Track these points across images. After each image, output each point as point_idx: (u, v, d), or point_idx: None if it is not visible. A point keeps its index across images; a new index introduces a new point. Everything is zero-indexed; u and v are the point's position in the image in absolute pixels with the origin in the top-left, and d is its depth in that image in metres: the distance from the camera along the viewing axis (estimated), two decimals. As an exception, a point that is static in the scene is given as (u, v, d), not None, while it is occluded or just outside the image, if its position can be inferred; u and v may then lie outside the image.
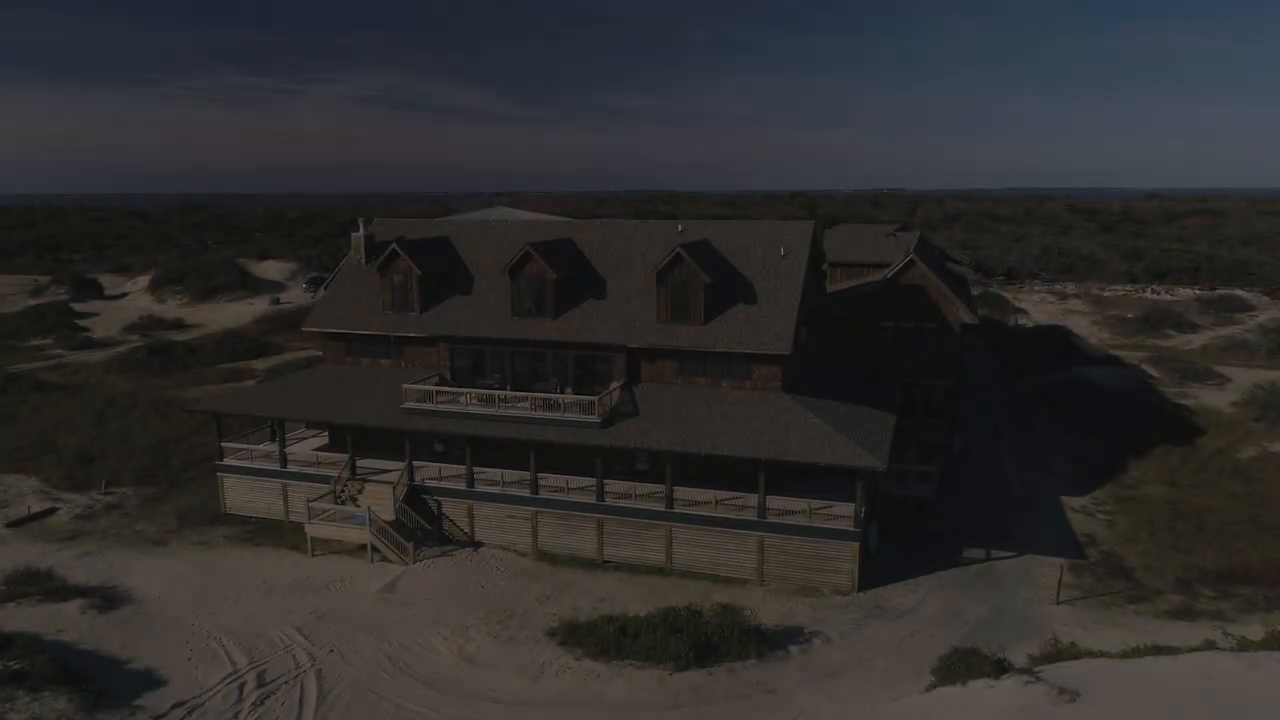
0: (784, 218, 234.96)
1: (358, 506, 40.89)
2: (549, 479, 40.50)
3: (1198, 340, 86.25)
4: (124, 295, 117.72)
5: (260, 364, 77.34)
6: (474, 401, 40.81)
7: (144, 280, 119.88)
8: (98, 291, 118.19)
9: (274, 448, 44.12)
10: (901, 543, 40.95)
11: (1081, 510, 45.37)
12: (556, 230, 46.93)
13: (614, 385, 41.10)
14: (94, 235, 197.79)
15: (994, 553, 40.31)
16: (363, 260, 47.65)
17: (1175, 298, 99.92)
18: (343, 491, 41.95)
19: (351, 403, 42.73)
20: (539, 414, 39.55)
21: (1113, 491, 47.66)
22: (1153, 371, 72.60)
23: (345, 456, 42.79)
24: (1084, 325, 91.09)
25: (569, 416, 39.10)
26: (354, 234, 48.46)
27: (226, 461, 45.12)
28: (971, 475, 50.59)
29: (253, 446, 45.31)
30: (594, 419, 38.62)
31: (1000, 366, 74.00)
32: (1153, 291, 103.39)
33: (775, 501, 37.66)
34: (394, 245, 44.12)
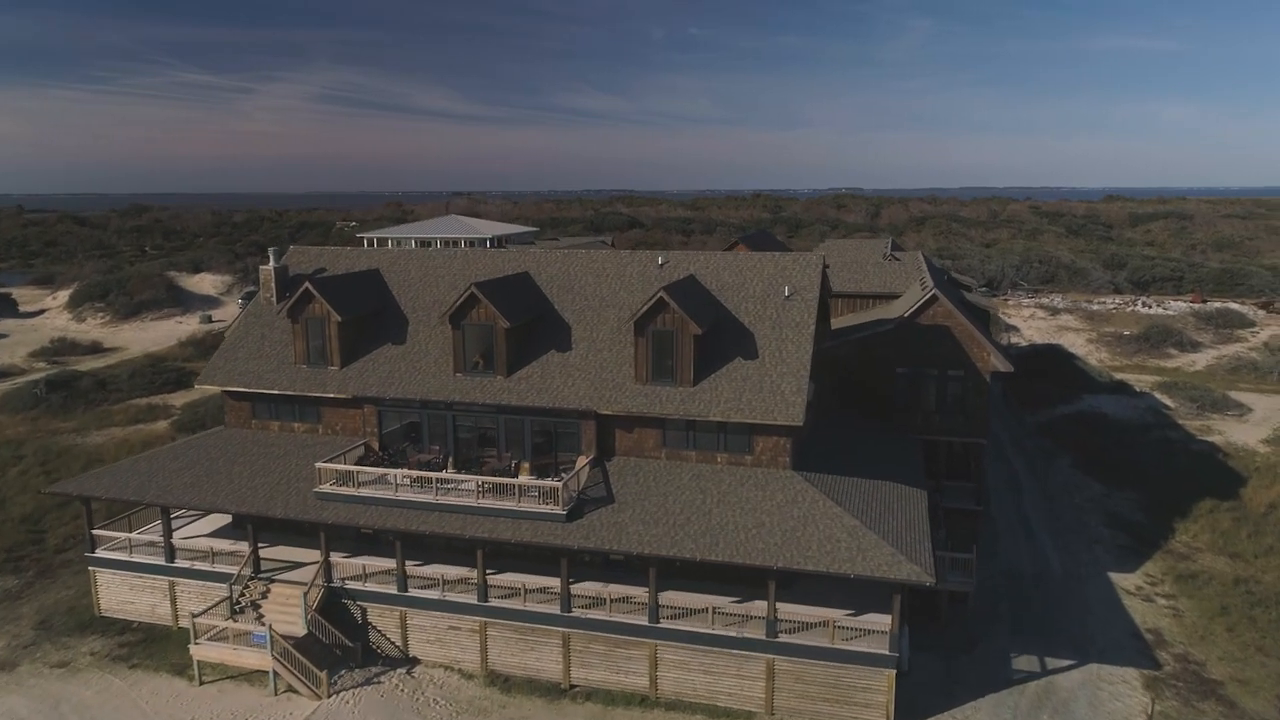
0: (747, 219, 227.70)
1: (260, 614, 32.05)
2: (503, 577, 32.04)
3: (1201, 360, 79.88)
4: (41, 313, 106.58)
5: (180, 398, 67.68)
6: (406, 484, 32.12)
7: (64, 295, 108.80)
8: (11, 308, 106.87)
9: (166, 534, 35.03)
10: (935, 649, 33.03)
11: (1137, 593, 37.82)
12: (511, 263, 38.28)
13: (582, 461, 32.65)
14: (22, 241, 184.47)
15: (1049, 660, 32.54)
16: (274, 299, 38.65)
17: (1169, 311, 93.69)
18: (242, 596, 33.04)
19: (254, 482, 33.78)
20: (487, 502, 30.95)
21: (1167, 566, 40.20)
22: (1167, 401, 65.80)
23: (253, 542, 33.83)
24: (1080, 344, 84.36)
25: (526, 506, 30.55)
26: (262, 267, 39.40)
27: (100, 553, 35.97)
28: (997, 540, 42.93)
29: (134, 536, 36.15)
30: (557, 511, 30.12)
31: (1001, 396, 66.69)
32: (1144, 305, 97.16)
33: (788, 608, 29.56)
34: (306, 284, 35.22)
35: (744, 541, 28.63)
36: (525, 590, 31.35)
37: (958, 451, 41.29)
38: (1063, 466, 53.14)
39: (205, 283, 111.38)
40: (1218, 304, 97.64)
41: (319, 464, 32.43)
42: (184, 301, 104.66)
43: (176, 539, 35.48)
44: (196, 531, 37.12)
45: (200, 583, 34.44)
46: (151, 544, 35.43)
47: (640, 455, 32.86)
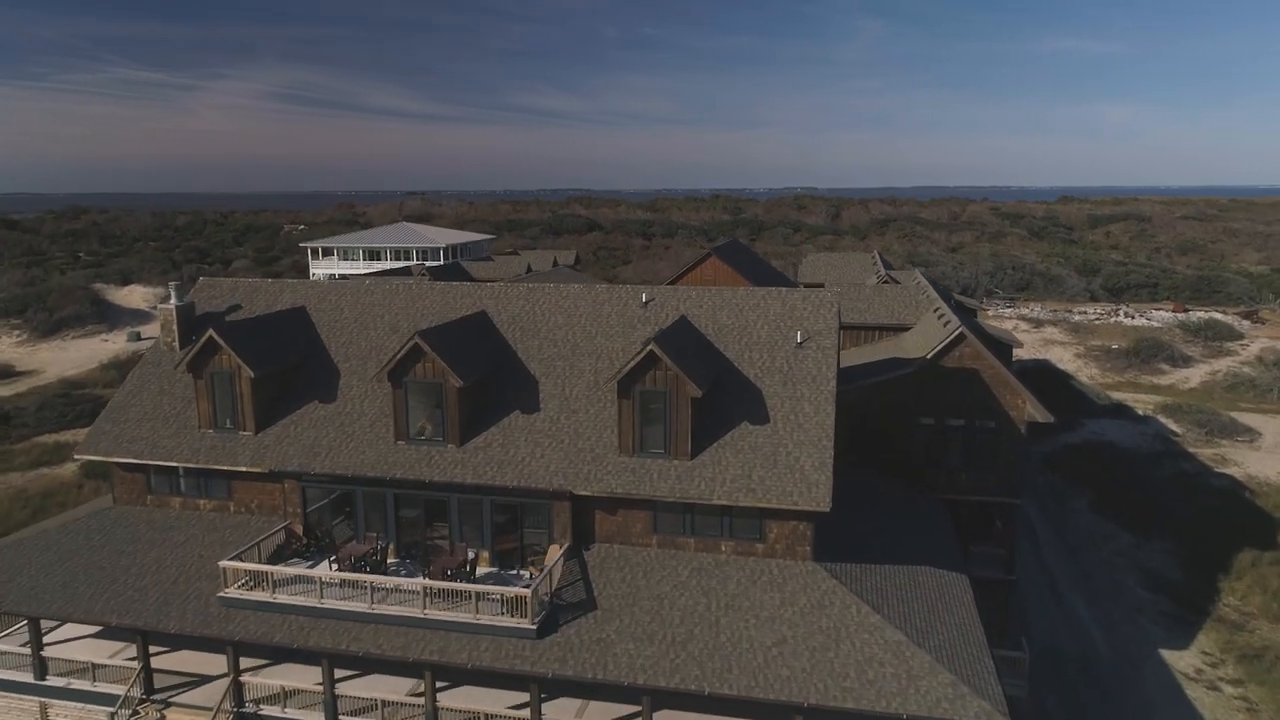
0: (707, 221, 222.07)
1: (151, 753, 25.18)
2: (458, 694, 25.53)
3: (1194, 376, 75.59)
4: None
5: (93, 434, 59.73)
6: (335, 584, 25.41)
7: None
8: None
9: (34, 645, 27.89)
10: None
11: (1199, 678, 32.37)
12: (464, 300, 31.59)
13: (554, 552, 26.20)
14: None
15: (1117, 781, 26.90)
16: (175, 345, 31.60)
17: (1153, 322, 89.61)
18: (129, 726, 26.10)
19: (144, 581, 26.84)
20: (437, 613, 24.38)
21: (1224, 640, 34.86)
22: (1172, 425, 61.05)
23: (143, 656, 26.83)
24: (1068, 358, 79.69)
25: (486, 618, 24.04)
26: (161, 306, 32.29)
27: (-47, 666, 28.73)
28: (1025, 607, 37.36)
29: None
30: (525, 625, 23.67)
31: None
32: (1127, 315, 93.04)
33: (813, 745, 23.45)
34: (211, 333, 28.27)
35: (762, 665, 22.45)
36: (484, 717, 24.84)
37: (994, 518, 35.57)
38: (1080, 509, 47.84)
39: (135, 296, 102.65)
40: (1200, 313, 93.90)
41: (223, 563, 25.55)
42: (111, 317, 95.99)
43: (49, 648, 28.36)
44: (76, 633, 29.97)
45: (79, 705, 27.39)
46: (15, 655, 28.26)
47: (626, 542, 26.51)
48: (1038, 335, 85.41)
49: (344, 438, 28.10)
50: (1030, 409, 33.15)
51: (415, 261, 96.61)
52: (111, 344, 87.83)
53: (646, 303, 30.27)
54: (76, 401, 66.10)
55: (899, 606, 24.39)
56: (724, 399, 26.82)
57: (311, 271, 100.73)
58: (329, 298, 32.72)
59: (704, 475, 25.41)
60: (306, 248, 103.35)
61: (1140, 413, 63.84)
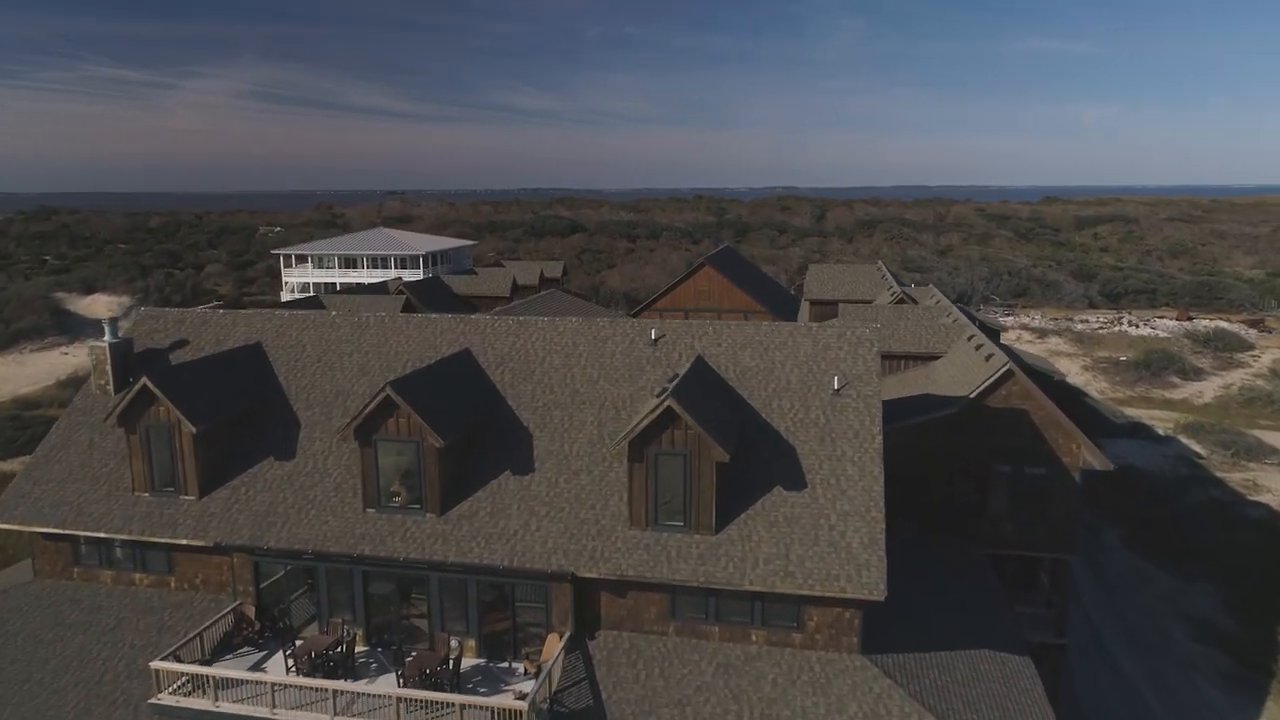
0: (691, 223, 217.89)
1: None
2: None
3: (1208, 390, 72.31)
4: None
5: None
6: (289, 692, 21.06)
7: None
8: None
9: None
10: None
11: (1276, 759, 28.62)
12: (445, 335, 27.26)
13: (554, 644, 21.98)
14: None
15: None
16: (110, 388, 27.11)
17: (1158, 332, 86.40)
18: None
19: (62, 680, 22.39)
20: (414, 726, 20.14)
21: (1295, 707, 31.16)
22: (1195, 446, 57.59)
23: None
24: (1076, 371, 76.25)
25: (472, 734, 19.82)
26: (92, 345, 27.80)
27: None
28: (1071, 666, 33.50)
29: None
30: (521, 744, 19.47)
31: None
32: (1130, 324, 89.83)
33: None
34: (145, 381, 23.82)
35: (811, 797, 18.36)
36: (473, 845, 20.61)
37: (1041, 575, 31.66)
38: (1113, 543, 44.16)
39: (99, 305, 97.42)
40: (1205, 321, 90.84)
41: (155, 664, 21.16)
42: (72, 328, 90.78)
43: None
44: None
45: (-12, 824, 22.94)
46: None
47: (638, 630, 22.32)
48: (1042, 346, 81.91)
49: (304, 504, 23.74)
50: (1086, 454, 29.27)
51: (393, 273, 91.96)
52: (72, 358, 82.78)
53: (656, 340, 26.09)
54: (28, 424, 61.25)
55: (965, 713, 20.36)
56: (752, 460, 22.70)
57: (284, 279, 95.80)
58: (289, 332, 28.29)
59: (732, 554, 21.27)
60: (279, 254, 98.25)
61: (1160, 431, 60.37)
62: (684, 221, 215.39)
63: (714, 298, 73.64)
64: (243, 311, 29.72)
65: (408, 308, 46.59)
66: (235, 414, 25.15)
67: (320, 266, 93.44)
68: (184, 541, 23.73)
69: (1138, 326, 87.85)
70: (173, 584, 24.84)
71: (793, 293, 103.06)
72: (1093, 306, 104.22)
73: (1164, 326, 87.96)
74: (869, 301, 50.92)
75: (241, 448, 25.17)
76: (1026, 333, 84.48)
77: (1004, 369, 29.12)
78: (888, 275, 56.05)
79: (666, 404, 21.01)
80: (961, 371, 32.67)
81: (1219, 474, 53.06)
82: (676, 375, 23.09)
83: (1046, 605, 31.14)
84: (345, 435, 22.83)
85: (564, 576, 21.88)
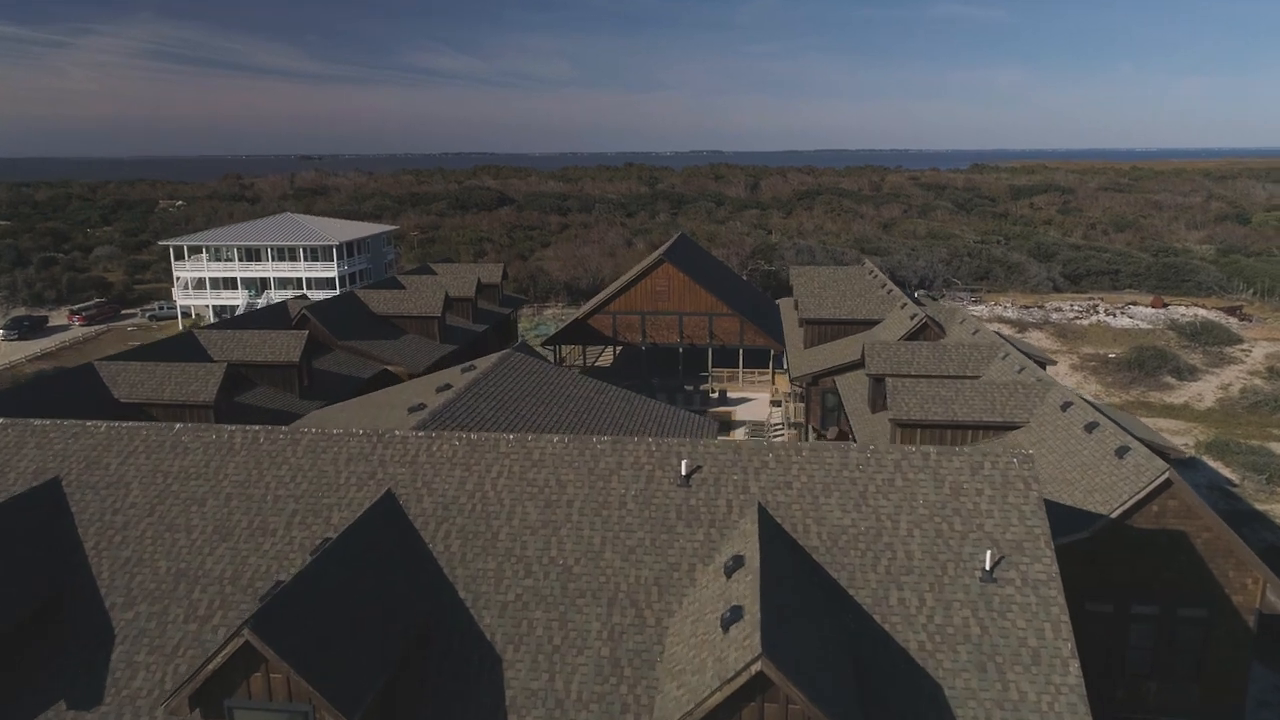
0: (625, 194, 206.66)
1: None
2: None
3: (1207, 392, 66.06)
4: None
5: None
6: None
7: None
8: None
9: None
10: None
11: None
12: (351, 468, 17.21)
13: None
14: None
15: None
16: None
17: (1138, 322, 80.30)
18: None
19: None
20: None
21: None
22: (1224, 471, 50.77)
23: None
24: (1065, 370, 69.29)
25: None
26: None
27: None
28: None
29: None
30: None
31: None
32: (1107, 313, 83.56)
33: None
34: None
35: None
36: None
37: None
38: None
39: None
40: (1182, 308, 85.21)
41: None
42: (-81, 336, 76.37)
43: None
44: None
45: None
46: None
47: None
48: (1023, 338, 74.86)
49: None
50: (1270, 594, 20.97)
51: (303, 266, 79.66)
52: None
53: (689, 476, 16.56)
54: None
55: None
56: (868, 703, 13.48)
57: (175, 274, 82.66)
58: (106, 460, 17.87)
59: None
60: (169, 245, 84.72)
61: (1185, 452, 53.44)
62: (616, 193, 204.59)
63: (674, 298, 64.28)
64: (35, 424, 18.99)
65: (312, 345, 35.99)
66: (10, 620, 14.80)
67: (218, 259, 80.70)
68: None
69: (1115, 316, 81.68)
70: None
71: (745, 278, 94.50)
72: (1057, 290, 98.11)
73: (1142, 315, 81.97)
74: (876, 321, 42.14)
75: (21, 666, 14.89)
76: (1004, 325, 77.40)
77: (1161, 479, 20.51)
78: (889, 284, 47.34)
79: (757, 668, 11.56)
80: (1067, 460, 23.98)
81: (1260, 506, 46.22)
82: (739, 561, 13.71)
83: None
84: (176, 707, 12.79)
85: None
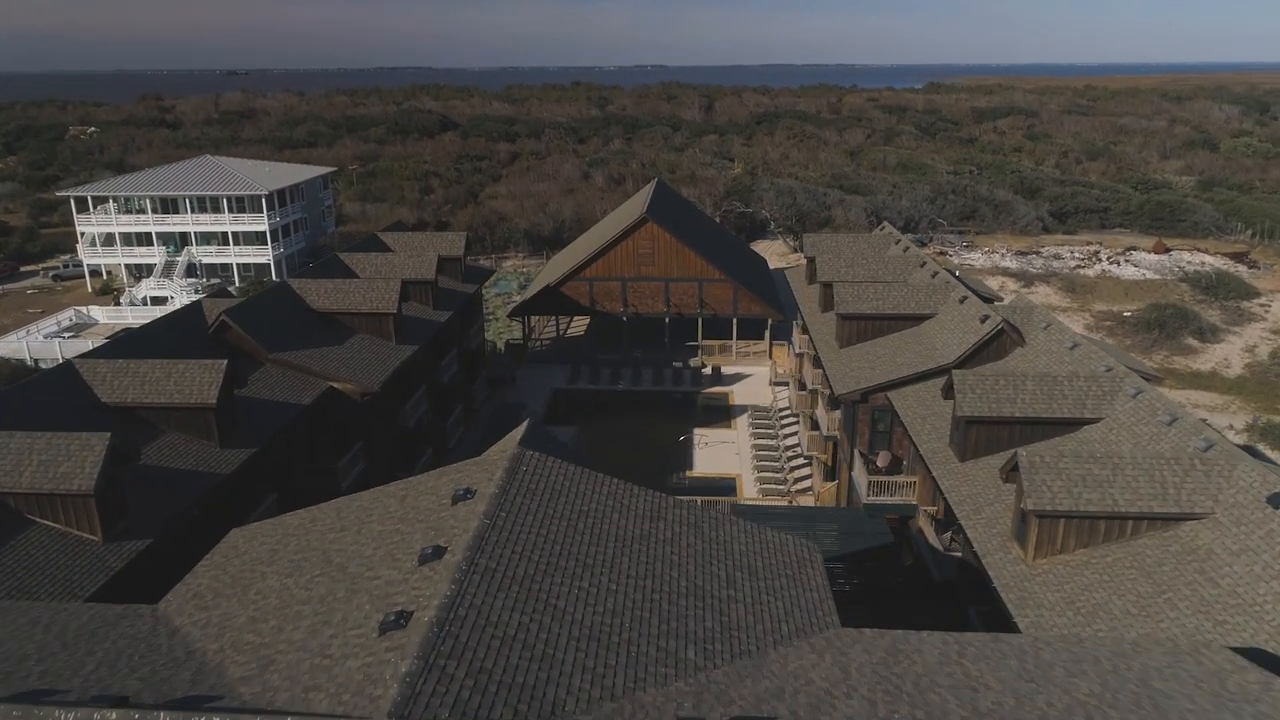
0: (574, 117, 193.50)
1: None
2: None
3: (1233, 356, 60.71)
4: None
5: None
6: None
7: None
8: None
9: None
10: None
11: None
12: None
13: None
14: None
15: None
16: None
17: (1144, 271, 74.46)
18: None
19: None
20: None
21: None
22: (1269, 454, 45.42)
23: None
24: (1078, 331, 63.25)
25: None
26: None
27: None
28: None
29: None
30: None
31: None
32: (1110, 261, 77.52)
33: None
34: None
35: None
36: None
37: None
38: None
39: None
40: (1185, 255, 79.65)
41: None
42: None
43: None
44: None
45: None
46: None
47: None
48: (1030, 295, 68.56)
49: None
50: None
51: (227, 219, 68.96)
52: None
53: None
54: None
55: None
56: None
57: (79, 230, 71.29)
58: None
59: None
60: (69, 196, 72.93)
61: (1227, 430, 47.89)
62: (566, 115, 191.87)
63: (659, 263, 56.18)
64: None
65: (237, 364, 27.33)
66: None
67: (129, 211, 69.56)
68: None
69: (1119, 265, 75.74)
70: None
71: (717, 220, 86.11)
72: (1047, 231, 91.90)
73: (1147, 264, 76.09)
74: (927, 315, 34.76)
75: None
76: (1008, 279, 70.80)
77: None
78: (925, 259, 39.88)
79: None
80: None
81: (1331, 508, 40.76)
82: None
83: None
84: None
85: None
